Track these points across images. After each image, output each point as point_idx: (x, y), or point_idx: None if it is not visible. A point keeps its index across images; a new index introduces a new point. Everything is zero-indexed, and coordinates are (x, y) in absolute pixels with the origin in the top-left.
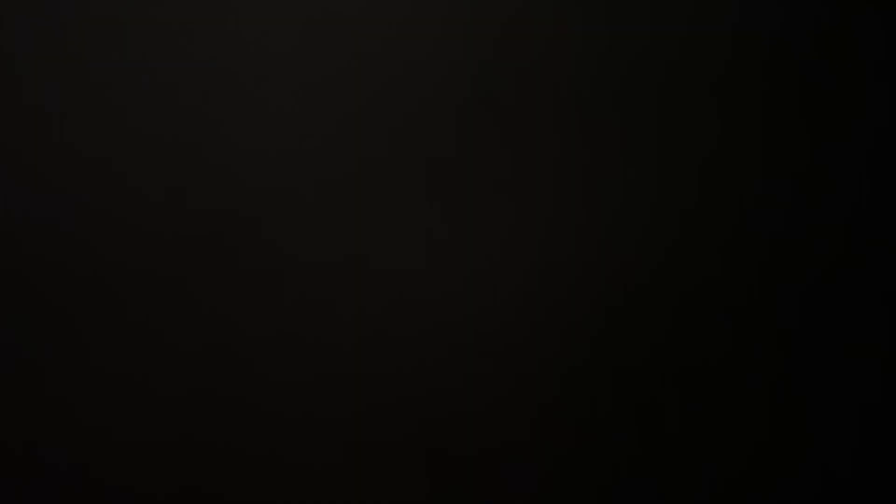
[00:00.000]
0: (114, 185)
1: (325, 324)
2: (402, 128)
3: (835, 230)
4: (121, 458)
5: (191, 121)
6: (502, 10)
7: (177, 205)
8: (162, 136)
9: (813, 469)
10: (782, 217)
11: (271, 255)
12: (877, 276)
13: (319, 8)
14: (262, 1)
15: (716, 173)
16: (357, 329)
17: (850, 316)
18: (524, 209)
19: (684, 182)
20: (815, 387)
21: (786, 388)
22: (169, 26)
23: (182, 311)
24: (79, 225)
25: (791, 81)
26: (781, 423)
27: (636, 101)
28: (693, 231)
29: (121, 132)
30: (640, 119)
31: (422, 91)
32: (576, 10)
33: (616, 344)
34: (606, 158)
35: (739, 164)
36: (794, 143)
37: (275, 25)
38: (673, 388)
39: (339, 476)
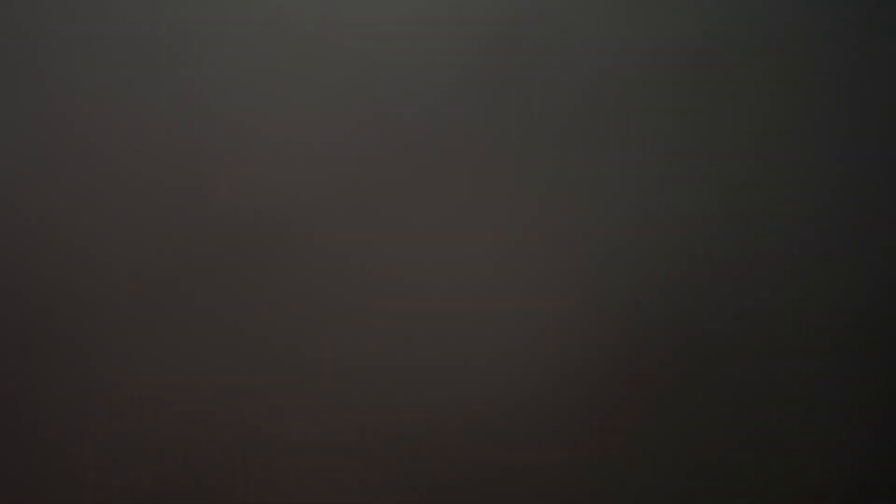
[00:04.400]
0: (120, 186)
1: (332, 328)
2: (411, 131)
3: (843, 232)
4: (119, 468)
5: (200, 121)
6: (513, 11)
7: (186, 208)
8: (171, 137)
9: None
10: (797, 222)
11: (277, 258)
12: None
13: (331, 10)
14: (275, 2)
15: (730, 178)
16: (362, 332)
17: (857, 318)
18: (535, 213)
19: (696, 187)
20: (830, 390)
21: (799, 390)
22: (182, 25)
23: (187, 316)
24: (85, 228)
25: (809, 84)
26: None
27: (649, 105)
28: (706, 235)
29: (130, 133)
30: (652, 123)
31: (429, 92)
32: (587, 11)
33: (629, 350)
34: (617, 162)
35: (752, 170)
36: (808, 148)
37: (285, 28)
38: (691, 395)
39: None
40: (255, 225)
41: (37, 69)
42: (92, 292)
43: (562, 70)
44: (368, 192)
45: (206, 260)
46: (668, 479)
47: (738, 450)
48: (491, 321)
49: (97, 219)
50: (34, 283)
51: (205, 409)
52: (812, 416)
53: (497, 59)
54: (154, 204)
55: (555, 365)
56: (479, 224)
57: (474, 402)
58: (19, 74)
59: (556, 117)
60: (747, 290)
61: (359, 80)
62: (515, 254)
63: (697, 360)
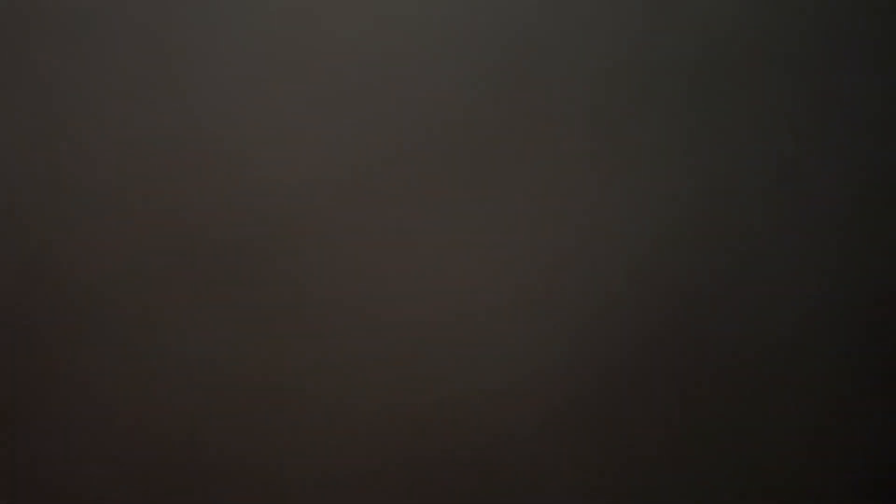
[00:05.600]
0: (118, 188)
1: (332, 329)
2: (415, 134)
3: (847, 232)
4: (118, 471)
5: (201, 124)
6: (515, 12)
7: (186, 209)
8: (169, 139)
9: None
10: (803, 222)
11: (279, 259)
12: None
13: (334, 12)
14: (274, 5)
15: (736, 178)
16: (363, 333)
17: (853, 315)
18: (538, 215)
19: (695, 183)
20: (832, 391)
21: (799, 386)
22: (182, 25)
23: (188, 319)
24: (83, 229)
25: (809, 83)
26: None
27: (654, 107)
28: (702, 231)
29: (128, 134)
30: (657, 126)
31: (434, 93)
32: (591, 12)
33: (631, 352)
34: (617, 158)
35: (758, 171)
36: (810, 145)
37: (284, 29)
38: (689, 390)
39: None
40: (257, 226)
41: (36, 71)
42: (91, 292)
43: (567, 71)
44: (373, 194)
45: (206, 260)
46: (670, 481)
47: (740, 451)
48: (493, 323)
49: (95, 219)
50: (32, 283)
51: (204, 410)
52: (813, 417)
53: (501, 60)
54: (153, 205)
55: (557, 367)
56: (482, 226)
57: (474, 402)
58: (17, 76)
59: (561, 120)
60: (751, 292)
61: (362, 83)
62: (518, 256)
63: (699, 363)
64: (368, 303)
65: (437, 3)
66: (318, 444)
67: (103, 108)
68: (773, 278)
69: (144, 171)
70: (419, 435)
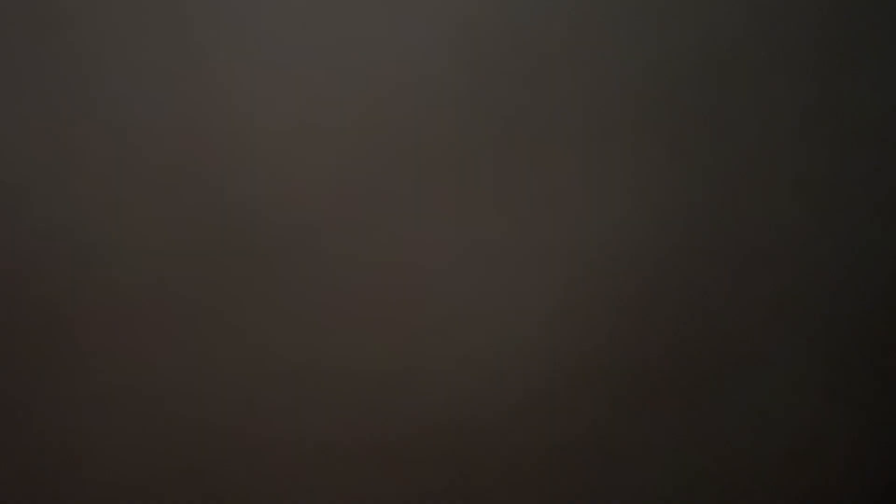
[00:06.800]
0: (127, 185)
1: (334, 329)
2: (413, 132)
3: (837, 233)
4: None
5: (204, 119)
6: (516, 16)
7: (193, 210)
8: (174, 139)
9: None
10: (795, 223)
11: (279, 261)
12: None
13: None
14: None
15: (729, 176)
16: (365, 332)
17: (859, 314)
18: (530, 213)
19: (697, 185)
20: (834, 388)
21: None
22: (183, 21)
23: (194, 320)
24: (92, 227)
25: (804, 80)
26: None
27: (650, 103)
28: (704, 233)
29: (131, 134)
30: (654, 120)
31: (430, 93)
32: (590, 15)
33: (636, 349)
34: (613, 161)
35: (749, 168)
36: (805, 149)
37: (287, 24)
38: (690, 392)
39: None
40: (259, 226)
41: (46, 64)
42: (97, 293)
43: (564, 77)
44: (373, 194)
45: (211, 263)
46: (669, 478)
47: (740, 449)
48: (491, 321)
49: (104, 216)
50: (37, 282)
51: (209, 410)
52: (814, 414)
53: (497, 64)
54: (160, 205)
55: (555, 364)
56: (479, 223)
57: (475, 402)
58: (26, 68)
59: (557, 126)
60: (746, 288)
61: (368, 87)
62: (514, 253)
63: (697, 358)
64: (371, 301)
65: (436, 8)
66: (322, 445)
67: (108, 111)
68: (769, 284)
69: (149, 170)
70: (420, 432)
